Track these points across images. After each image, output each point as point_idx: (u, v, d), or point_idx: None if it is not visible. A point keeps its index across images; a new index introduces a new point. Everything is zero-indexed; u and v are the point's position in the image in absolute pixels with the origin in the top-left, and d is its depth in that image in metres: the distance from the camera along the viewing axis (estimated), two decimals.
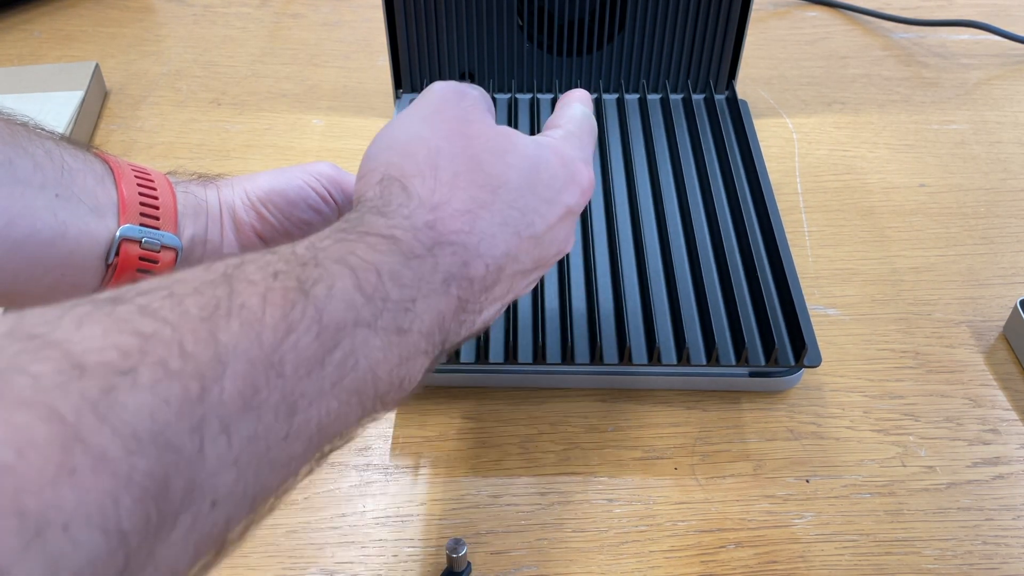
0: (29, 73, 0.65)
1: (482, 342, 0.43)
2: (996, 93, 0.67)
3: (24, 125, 0.33)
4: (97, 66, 0.65)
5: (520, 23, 0.60)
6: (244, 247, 0.40)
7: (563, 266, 0.47)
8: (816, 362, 0.43)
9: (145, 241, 0.34)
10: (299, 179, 0.40)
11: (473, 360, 0.43)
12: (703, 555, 0.40)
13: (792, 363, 0.43)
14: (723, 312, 0.45)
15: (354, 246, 0.26)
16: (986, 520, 0.41)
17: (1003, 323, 0.50)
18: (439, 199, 0.30)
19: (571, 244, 0.35)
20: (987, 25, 0.72)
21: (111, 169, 0.35)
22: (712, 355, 0.43)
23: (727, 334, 0.44)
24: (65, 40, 0.73)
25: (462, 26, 0.60)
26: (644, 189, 0.53)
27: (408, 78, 0.62)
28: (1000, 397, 0.46)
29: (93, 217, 0.33)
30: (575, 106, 0.38)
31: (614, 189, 0.52)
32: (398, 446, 0.44)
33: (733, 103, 0.58)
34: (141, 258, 0.34)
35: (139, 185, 0.35)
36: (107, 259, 0.34)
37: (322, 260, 0.25)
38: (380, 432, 0.45)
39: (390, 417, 0.45)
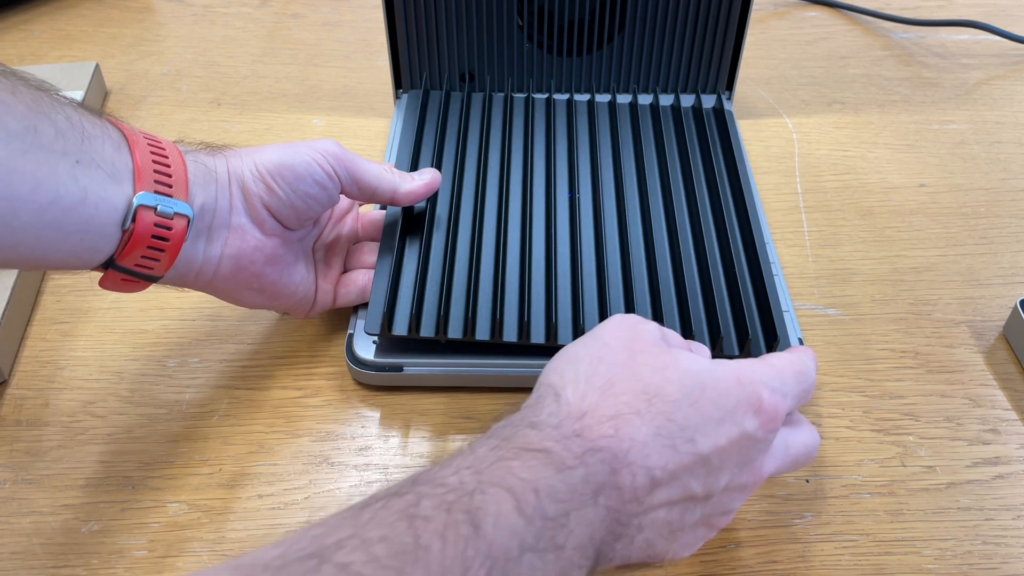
0: (29, 73, 0.65)
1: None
2: (996, 93, 0.67)
3: (46, 92, 0.33)
4: (97, 66, 0.65)
5: (520, 23, 0.60)
6: (253, 219, 0.40)
7: (551, 261, 0.47)
8: None
9: (160, 208, 0.35)
10: (306, 154, 0.41)
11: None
12: (703, 555, 0.40)
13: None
14: (702, 309, 0.46)
15: (511, 464, 0.27)
16: (986, 520, 0.41)
17: (1003, 323, 0.50)
18: (588, 406, 0.30)
19: (756, 480, 0.32)
20: (987, 25, 0.72)
21: (125, 136, 0.36)
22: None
23: (704, 328, 0.45)
24: (65, 40, 0.73)
25: (462, 26, 0.60)
26: (631, 191, 0.53)
27: (408, 78, 0.62)
28: (1000, 397, 0.46)
29: (111, 183, 0.34)
30: (788, 350, 0.36)
31: (603, 189, 0.52)
32: (398, 446, 0.44)
33: (720, 113, 0.59)
34: (156, 224, 0.35)
35: (152, 152, 0.36)
36: (123, 225, 0.35)
37: (485, 486, 0.26)
38: (380, 432, 0.45)
39: (390, 417, 0.45)
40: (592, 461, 0.28)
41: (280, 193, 0.40)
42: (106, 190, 0.34)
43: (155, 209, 0.35)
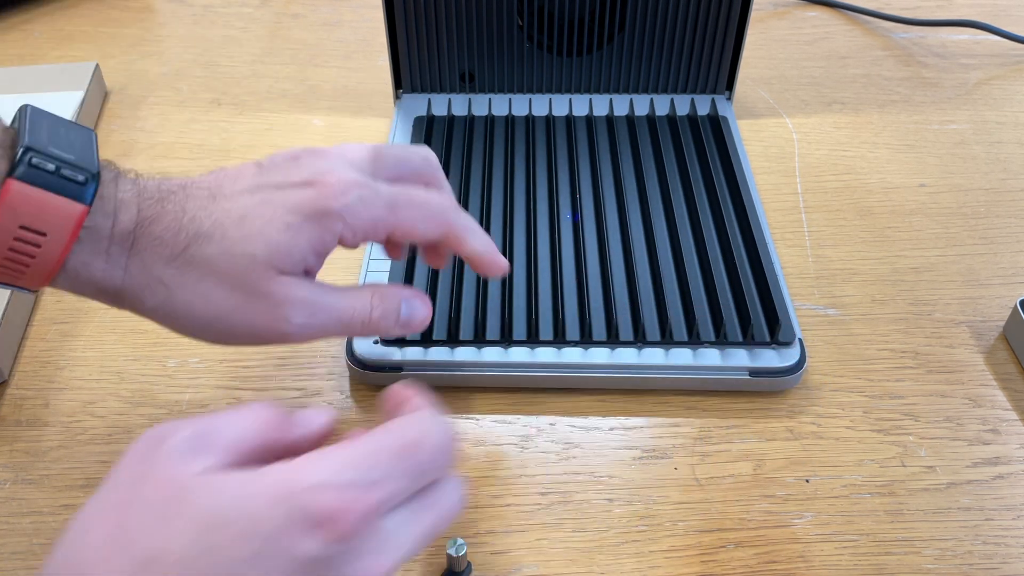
0: (29, 73, 0.65)
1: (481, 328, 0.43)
2: (996, 93, 0.67)
3: None
4: (97, 66, 0.65)
5: (520, 23, 0.60)
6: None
7: (555, 262, 0.49)
8: (790, 338, 0.45)
9: None
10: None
11: (473, 340, 0.45)
12: (703, 555, 0.40)
13: (767, 339, 0.45)
14: (702, 289, 0.48)
15: None
16: (986, 520, 0.41)
17: (1003, 323, 0.50)
18: None
19: None
20: (987, 25, 0.72)
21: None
22: (692, 331, 0.45)
23: (708, 318, 0.47)
24: (65, 40, 0.73)
25: (462, 26, 0.60)
26: (632, 199, 0.54)
27: (408, 78, 0.62)
28: (1000, 397, 0.46)
29: None
30: (396, 420, 0.28)
31: (604, 199, 0.53)
32: None
33: (716, 121, 0.59)
34: None
35: (12, 250, 0.31)
36: None
37: None
38: None
39: None
40: None
41: None
42: None
43: None
